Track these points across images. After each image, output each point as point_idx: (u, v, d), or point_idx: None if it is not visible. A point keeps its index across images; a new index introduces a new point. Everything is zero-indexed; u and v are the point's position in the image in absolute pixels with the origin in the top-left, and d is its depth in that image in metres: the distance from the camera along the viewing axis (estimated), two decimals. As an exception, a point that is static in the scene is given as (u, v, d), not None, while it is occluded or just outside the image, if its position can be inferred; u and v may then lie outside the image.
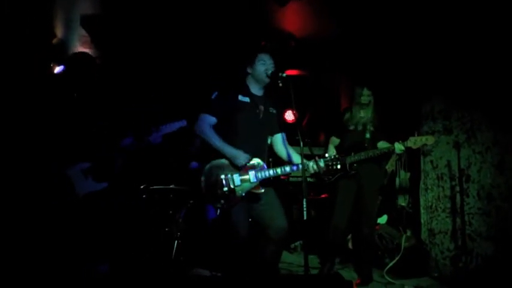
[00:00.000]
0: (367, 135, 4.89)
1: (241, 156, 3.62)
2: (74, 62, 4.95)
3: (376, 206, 5.13)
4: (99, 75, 5.07)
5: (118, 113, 4.75)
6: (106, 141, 4.46)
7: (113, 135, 4.49)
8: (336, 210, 4.91)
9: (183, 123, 4.30)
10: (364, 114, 4.97)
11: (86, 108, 4.69)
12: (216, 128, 3.74)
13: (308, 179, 5.94)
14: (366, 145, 4.84)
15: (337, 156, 3.74)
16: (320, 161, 3.71)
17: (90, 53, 5.69)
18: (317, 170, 3.68)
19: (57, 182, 4.31)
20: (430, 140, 4.56)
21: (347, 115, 5.04)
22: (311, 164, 3.67)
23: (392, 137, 4.68)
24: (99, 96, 4.86)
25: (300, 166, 3.58)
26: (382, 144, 4.82)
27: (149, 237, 5.08)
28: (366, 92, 4.92)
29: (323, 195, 6.35)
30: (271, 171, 3.70)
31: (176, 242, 4.89)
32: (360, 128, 4.95)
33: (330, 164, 3.73)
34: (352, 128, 4.97)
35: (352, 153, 4.72)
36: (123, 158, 4.46)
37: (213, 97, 3.81)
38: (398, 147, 4.58)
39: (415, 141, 4.55)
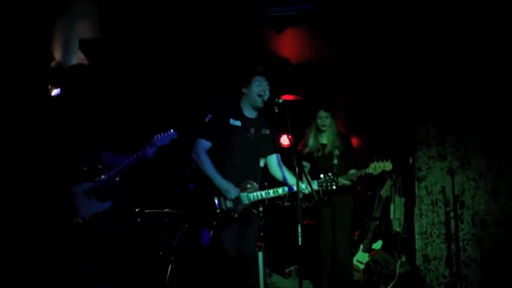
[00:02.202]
0: (335, 161, 4.83)
1: (231, 190, 3.62)
2: (72, 73, 5.00)
3: (348, 236, 5.06)
4: (94, 89, 5.10)
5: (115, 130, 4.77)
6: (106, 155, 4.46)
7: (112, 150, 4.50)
8: (320, 235, 4.95)
9: (173, 134, 4.32)
10: (326, 140, 4.96)
11: (82, 127, 4.71)
12: (210, 152, 3.75)
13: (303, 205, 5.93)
14: (335, 171, 4.72)
15: (332, 177, 3.75)
16: (313, 182, 3.72)
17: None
18: (311, 192, 3.68)
19: (60, 204, 4.30)
20: (387, 166, 4.55)
21: (308, 147, 5.03)
22: (304, 185, 3.68)
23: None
24: (95, 116, 4.88)
25: (294, 188, 3.60)
26: (352, 172, 4.77)
27: (143, 261, 5.04)
28: (322, 114, 4.92)
29: (304, 222, 6.32)
30: (263, 193, 3.71)
31: (170, 266, 4.86)
32: (326, 153, 4.92)
33: (324, 185, 3.74)
34: (319, 154, 4.96)
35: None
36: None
37: (206, 120, 3.82)
38: (341, 181, 4.60)
39: (374, 168, 4.55)
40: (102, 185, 4.30)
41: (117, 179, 4.35)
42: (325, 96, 6.44)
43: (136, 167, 4.31)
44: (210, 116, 3.83)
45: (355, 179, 4.71)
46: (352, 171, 4.73)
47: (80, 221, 4.17)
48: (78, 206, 4.27)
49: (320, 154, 4.96)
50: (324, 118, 4.92)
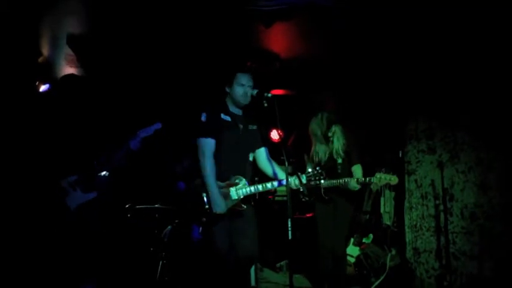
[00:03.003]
0: (339, 160, 4.85)
1: (218, 205, 3.60)
2: (63, 84, 5.00)
3: (346, 226, 5.02)
4: (86, 96, 5.09)
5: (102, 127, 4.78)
6: (91, 151, 4.48)
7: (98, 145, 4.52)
8: (319, 229, 4.92)
9: (157, 125, 4.35)
10: (330, 146, 4.95)
11: (71, 124, 4.71)
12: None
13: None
14: (339, 171, 4.81)
15: (319, 171, 3.76)
16: (302, 176, 3.73)
17: (75, 72, 5.72)
18: (299, 186, 3.69)
19: (51, 195, 4.32)
20: (393, 180, 4.51)
21: (313, 149, 5.05)
22: (293, 179, 3.68)
23: (377, 159, 4.69)
24: (85, 113, 4.88)
25: (283, 182, 3.60)
26: (356, 168, 4.80)
27: (134, 257, 5.03)
28: (336, 128, 4.90)
29: (308, 215, 6.36)
30: (252, 188, 3.71)
31: (161, 262, 4.85)
32: (330, 153, 4.92)
33: (312, 179, 3.74)
34: (322, 155, 4.95)
35: (327, 178, 4.73)
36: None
37: (203, 119, 3.79)
38: (353, 185, 4.60)
39: (379, 179, 4.52)
40: (87, 177, 4.35)
41: (102, 172, 4.41)
42: (315, 92, 6.47)
43: (120, 160, 4.35)
44: (204, 114, 3.81)
45: (358, 187, 4.67)
46: (355, 179, 4.65)
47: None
48: (65, 197, 4.32)
49: (323, 155, 4.96)
50: (338, 132, 4.91)
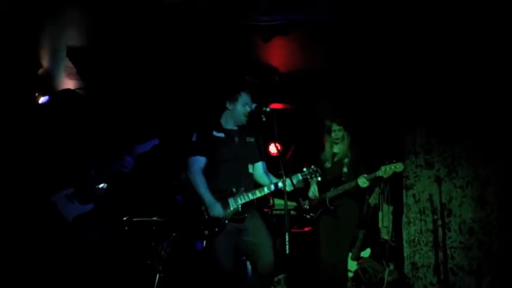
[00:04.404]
0: (345, 169, 4.87)
1: (216, 208, 3.62)
2: (60, 99, 5.01)
3: (348, 242, 5.05)
4: (84, 110, 5.10)
5: (101, 141, 4.77)
6: (88, 166, 4.48)
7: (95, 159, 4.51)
8: (322, 247, 4.87)
9: (155, 141, 4.36)
10: (338, 150, 4.98)
11: (70, 137, 4.71)
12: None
13: (292, 212, 5.95)
14: (344, 180, 4.82)
15: (315, 168, 3.75)
16: (297, 175, 3.72)
17: (75, 84, 5.74)
18: (296, 185, 3.69)
19: (43, 210, 4.31)
20: (399, 167, 4.54)
21: (322, 154, 5.06)
22: (288, 181, 3.66)
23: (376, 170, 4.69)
24: (83, 126, 4.88)
25: (279, 184, 3.61)
26: (363, 177, 4.76)
27: (131, 270, 5.01)
28: (335, 127, 4.94)
29: (306, 228, 6.33)
30: (250, 194, 3.71)
31: (158, 275, 4.83)
32: (336, 163, 4.95)
33: (308, 176, 3.74)
34: (328, 165, 4.97)
35: (332, 189, 4.76)
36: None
37: (194, 139, 3.86)
38: (362, 181, 4.60)
39: (385, 170, 4.55)
40: (83, 189, 4.35)
41: (97, 184, 4.42)
42: (314, 105, 6.49)
43: (113, 174, 4.36)
44: (195, 134, 3.87)
45: (367, 184, 4.67)
46: (363, 176, 4.65)
47: None
48: (61, 209, 4.31)
49: (329, 165, 4.97)
50: (337, 131, 4.94)
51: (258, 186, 4.03)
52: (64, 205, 4.34)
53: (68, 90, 5.43)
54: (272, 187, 3.74)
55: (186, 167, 3.80)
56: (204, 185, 3.69)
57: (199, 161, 3.78)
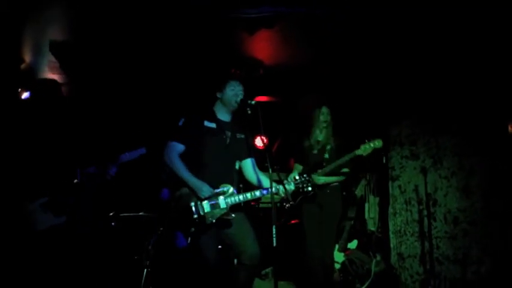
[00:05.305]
0: (326, 156, 4.89)
1: (204, 189, 3.62)
2: (39, 88, 4.93)
3: (334, 233, 5.04)
4: (64, 101, 5.03)
5: (82, 141, 4.72)
6: (66, 173, 4.42)
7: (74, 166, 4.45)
8: (307, 239, 4.86)
9: (142, 151, 4.31)
10: (322, 137, 4.98)
11: (51, 134, 4.65)
12: (184, 154, 3.74)
13: (278, 205, 5.95)
14: (325, 165, 4.82)
15: (307, 178, 3.77)
16: (290, 183, 3.74)
17: (58, 78, 5.67)
18: (288, 193, 3.70)
19: (18, 218, 4.25)
20: (378, 143, 4.58)
21: (306, 141, 5.06)
22: (281, 187, 3.69)
23: (360, 164, 4.71)
24: (64, 123, 4.82)
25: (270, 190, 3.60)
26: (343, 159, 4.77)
27: (118, 266, 4.99)
28: (325, 110, 4.96)
29: (293, 221, 6.35)
30: (241, 196, 3.71)
31: (145, 270, 4.81)
32: (319, 149, 4.95)
33: (300, 186, 3.76)
34: (314, 152, 4.98)
35: (319, 171, 4.75)
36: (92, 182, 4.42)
37: (180, 124, 3.82)
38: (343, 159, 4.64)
39: (364, 149, 4.59)
40: (58, 200, 4.30)
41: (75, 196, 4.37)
42: (299, 98, 6.49)
43: (94, 184, 4.31)
44: (183, 119, 3.83)
45: (347, 168, 4.71)
46: (342, 158, 4.70)
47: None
48: (34, 220, 4.25)
49: (315, 151, 4.97)
50: (326, 114, 4.95)
51: (246, 183, 4.04)
52: (37, 215, 4.27)
53: (47, 80, 5.34)
54: (264, 191, 3.75)
55: (163, 150, 3.76)
56: (185, 169, 3.66)
57: (177, 147, 3.75)
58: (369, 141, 4.60)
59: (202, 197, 3.62)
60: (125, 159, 4.30)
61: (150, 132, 4.61)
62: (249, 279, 3.82)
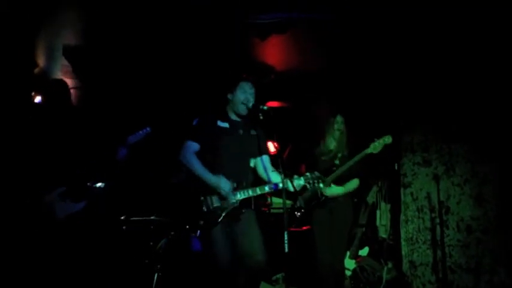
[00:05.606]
0: (337, 162, 4.83)
1: (222, 184, 3.59)
2: (49, 88, 4.96)
3: (345, 240, 4.97)
4: (73, 102, 5.07)
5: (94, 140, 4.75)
6: (81, 163, 4.45)
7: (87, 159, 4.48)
8: (317, 246, 4.82)
9: (147, 130, 4.34)
10: (334, 146, 4.93)
11: (64, 136, 4.68)
12: (199, 154, 3.73)
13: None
14: (335, 169, 4.77)
15: (317, 174, 3.75)
16: (300, 179, 3.71)
17: (70, 83, 5.70)
18: (297, 189, 3.68)
19: (35, 212, 4.28)
20: (387, 139, 4.54)
21: (318, 148, 5.03)
22: (289, 183, 3.63)
23: (372, 171, 4.68)
24: (76, 125, 4.85)
25: (280, 185, 3.58)
26: (353, 182, 4.78)
27: (129, 269, 5.00)
28: (339, 118, 4.92)
29: (304, 227, 6.32)
30: (250, 191, 3.68)
31: (156, 274, 4.82)
32: (330, 157, 4.91)
33: (310, 182, 3.72)
34: (325, 158, 4.93)
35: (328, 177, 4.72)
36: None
37: (194, 123, 3.82)
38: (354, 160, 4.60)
39: (374, 147, 4.55)
40: (75, 187, 4.34)
41: (89, 181, 4.40)
42: (311, 104, 6.47)
43: (105, 168, 4.34)
44: (197, 119, 3.84)
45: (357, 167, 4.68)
46: (353, 159, 4.66)
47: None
48: (53, 209, 4.29)
49: (326, 158, 4.95)
50: (340, 123, 4.93)
51: (260, 180, 4.01)
52: (56, 204, 4.32)
53: (58, 81, 5.38)
54: (272, 186, 3.72)
55: (179, 151, 3.74)
56: (202, 167, 3.64)
57: (193, 146, 3.73)
58: (378, 138, 4.57)
59: (224, 194, 3.60)
60: (132, 141, 4.33)
61: (163, 133, 4.61)
62: (249, 285, 3.78)
